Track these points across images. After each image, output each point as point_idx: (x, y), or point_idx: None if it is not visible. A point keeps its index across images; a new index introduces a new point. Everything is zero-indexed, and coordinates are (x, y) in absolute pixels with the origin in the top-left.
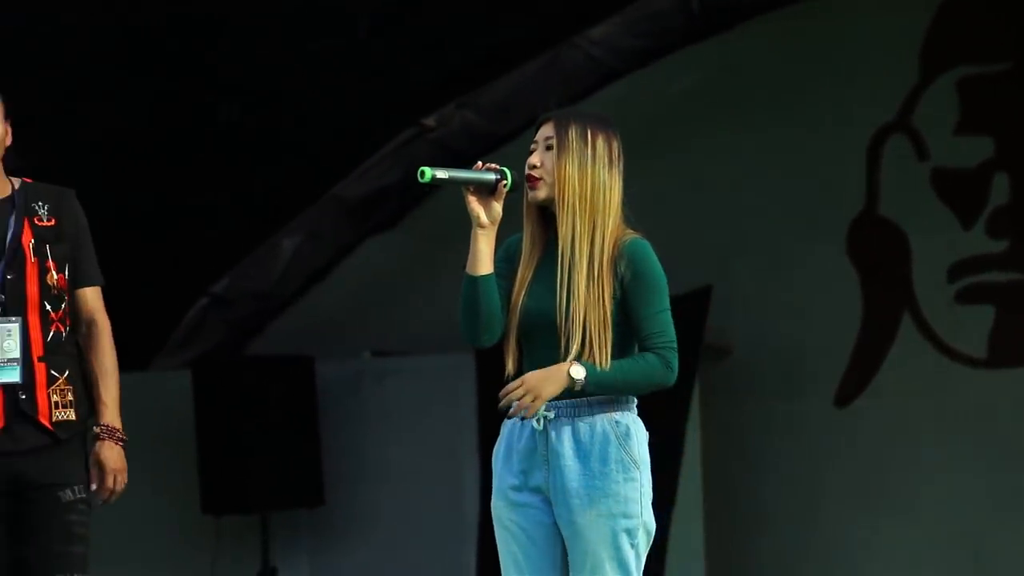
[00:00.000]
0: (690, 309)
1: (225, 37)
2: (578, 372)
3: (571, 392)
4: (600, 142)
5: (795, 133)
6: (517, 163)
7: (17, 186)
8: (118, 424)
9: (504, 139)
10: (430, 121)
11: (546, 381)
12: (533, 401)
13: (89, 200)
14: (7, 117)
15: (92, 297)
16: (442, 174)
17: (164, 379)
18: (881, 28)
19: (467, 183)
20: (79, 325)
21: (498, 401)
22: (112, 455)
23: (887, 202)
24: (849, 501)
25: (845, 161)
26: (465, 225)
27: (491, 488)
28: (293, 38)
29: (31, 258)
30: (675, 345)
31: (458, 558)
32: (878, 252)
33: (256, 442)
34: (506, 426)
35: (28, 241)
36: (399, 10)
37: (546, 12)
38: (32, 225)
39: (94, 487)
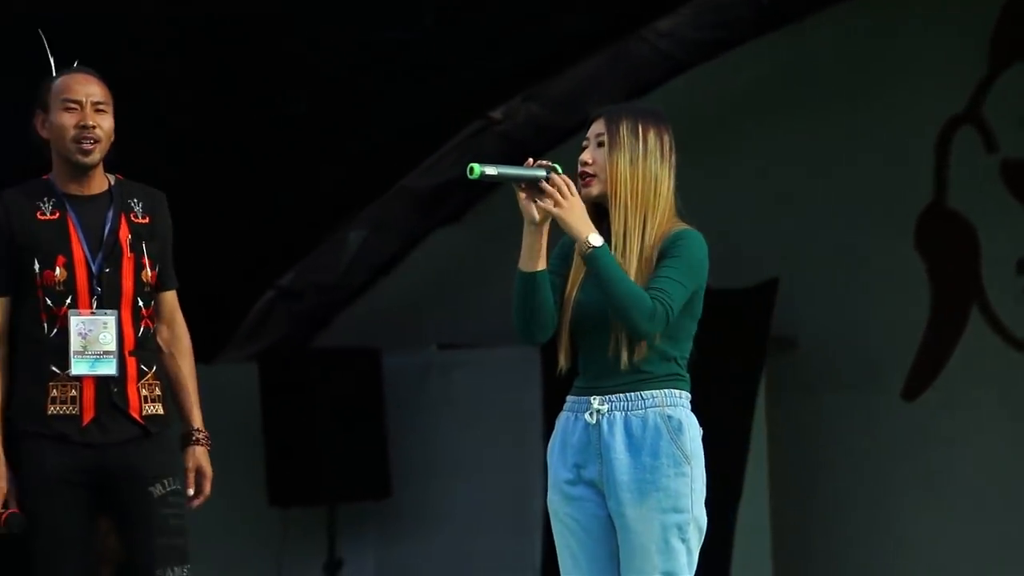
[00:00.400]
0: (757, 302)
1: (292, 29)
2: (596, 240)
3: (622, 382)
4: (651, 136)
5: (864, 125)
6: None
7: (113, 182)
8: (202, 422)
9: (570, 132)
10: (497, 114)
11: (578, 214)
12: (553, 205)
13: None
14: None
15: (172, 300)
16: (492, 170)
17: (231, 372)
18: (950, 18)
19: (517, 180)
20: (160, 326)
21: (565, 395)
22: (207, 461)
23: (956, 194)
24: (917, 495)
25: (914, 153)
26: None
27: None
28: (360, 30)
29: (127, 253)
30: (670, 306)
31: (524, 550)
32: (947, 245)
33: (323, 435)
34: (560, 420)
35: (125, 236)
36: (466, 2)
37: (613, 4)
38: (128, 221)
39: (191, 491)
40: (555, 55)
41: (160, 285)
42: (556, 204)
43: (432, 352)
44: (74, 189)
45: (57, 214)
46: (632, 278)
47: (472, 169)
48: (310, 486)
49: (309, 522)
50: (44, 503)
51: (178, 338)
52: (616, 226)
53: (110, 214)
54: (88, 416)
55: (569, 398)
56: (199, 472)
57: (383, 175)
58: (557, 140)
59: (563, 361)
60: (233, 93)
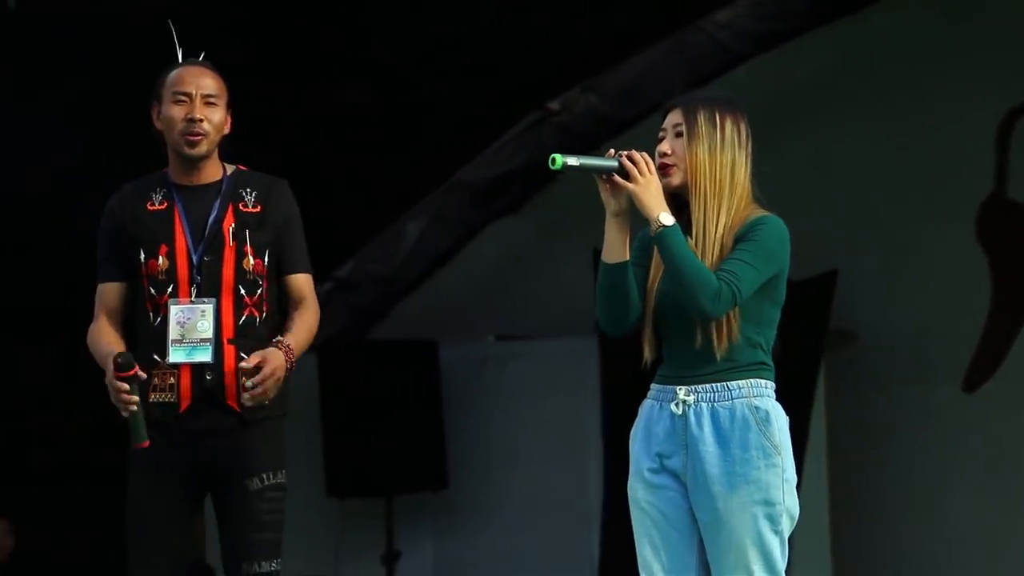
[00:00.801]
0: (816, 294)
1: (353, 20)
2: (667, 219)
3: (708, 371)
4: (728, 125)
5: (923, 116)
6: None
7: (229, 172)
8: (296, 351)
9: (629, 123)
10: (555, 105)
11: (653, 195)
12: (632, 180)
13: None
14: (229, 105)
15: (303, 283)
16: (573, 161)
17: None
18: (1010, 9)
19: (598, 170)
20: (290, 308)
21: (624, 386)
22: (276, 358)
23: (1017, 185)
24: (977, 487)
25: (974, 143)
26: (588, 209)
27: (614, 472)
28: (420, 21)
29: (229, 242)
30: (738, 288)
31: (582, 542)
32: (1007, 235)
33: (380, 426)
34: (644, 408)
35: (228, 226)
36: None
37: None
38: (236, 211)
39: (248, 383)
40: (613, 46)
41: (285, 269)
42: (633, 180)
43: (489, 344)
44: (185, 180)
45: (165, 204)
46: (710, 266)
47: (554, 160)
48: (368, 477)
49: (366, 513)
50: (138, 487)
51: (304, 308)
52: (697, 215)
53: (217, 204)
54: (184, 404)
55: (653, 386)
56: (263, 361)
57: (441, 166)
58: (615, 131)
59: (648, 352)
60: (294, 83)
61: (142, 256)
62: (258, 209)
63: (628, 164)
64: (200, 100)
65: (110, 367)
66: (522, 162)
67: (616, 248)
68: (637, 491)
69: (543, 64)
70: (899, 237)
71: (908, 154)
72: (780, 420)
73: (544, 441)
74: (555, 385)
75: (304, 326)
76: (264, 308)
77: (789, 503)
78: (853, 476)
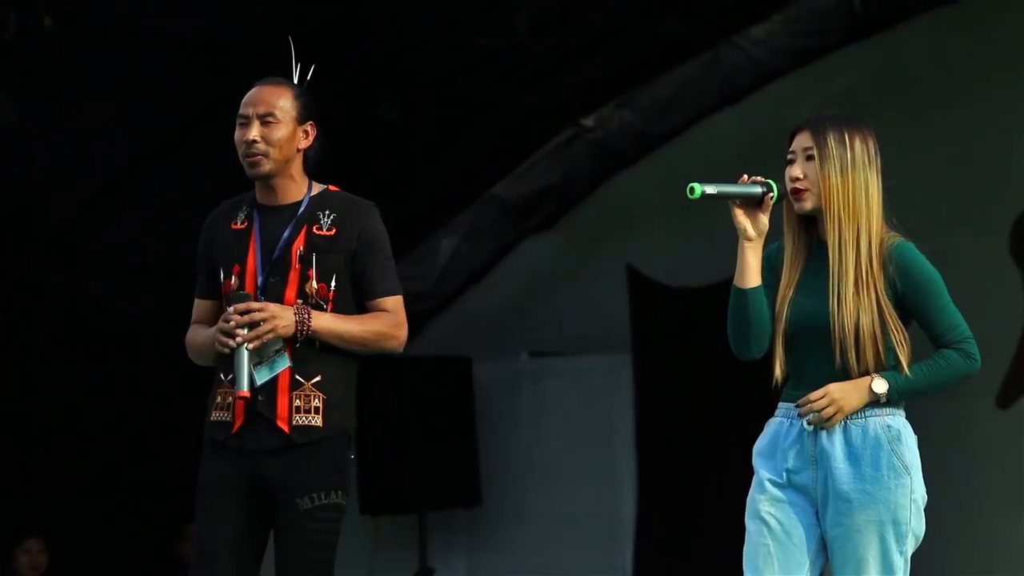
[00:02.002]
0: None
1: (386, 36)
2: (880, 387)
3: (839, 381)
4: (858, 144)
5: (959, 130)
6: (680, 164)
7: (315, 192)
8: (317, 323)
9: (663, 139)
10: (589, 121)
11: (850, 394)
12: (835, 413)
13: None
14: (306, 119)
15: (392, 306)
16: (711, 189)
17: None
18: None
19: (735, 197)
20: None
21: (658, 403)
22: (283, 312)
23: None
24: (1010, 502)
25: (1009, 158)
26: (622, 226)
27: (647, 488)
28: (453, 37)
29: (295, 265)
30: (970, 335)
31: (615, 558)
32: None
33: (414, 442)
34: (771, 425)
35: (297, 248)
36: (559, 9)
37: (706, 11)
38: (308, 233)
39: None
40: (648, 62)
41: (367, 294)
42: (835, 412)
43: (523, 360)
44: (266, 200)
45: (246, 224)
46: (851, 290)
47: (693, 189)
48: (401, 494)
49: (400, 530)
50: (203, 506)
51: (384, 317)
52: (832, 238)
53: (291, 225)
54: (238, 423)
55: (782, 404)
56: (263, 307)
57: (475, 182)
58: (650, 147)
59: (779, 372)
60: (327, 98)
61: (221, 275)
62: (332, 232)
63: (816, 408)
64: (257, 121)
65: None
66: (556, 178)
67: (751, 273)
68: (759, 502)
69: (577, 80)
70: (934, 252)
71: (942, 169)
72: (910, 439)
73: (577, 457)
74: (589, 401)
75: (355, 319)
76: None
77: (915, 524)
78: (937, 486)
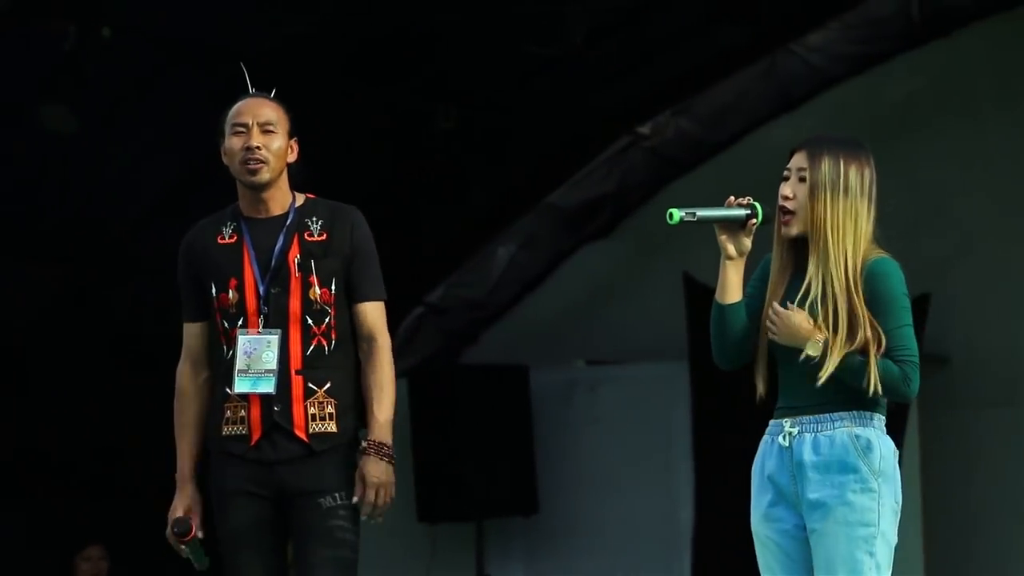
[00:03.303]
0: None
1: (442, 46)
2: (814, 349)
3: (814, 403)
4: (852, 172)
5: (1016, 136)
6: (736, 172)
7: (299, 202)
8: (387, 440)
9: (720, 147)
10: (645, 129)
11: (793, 333)
12: (775, 332)
13: None
14: (292, 135)
15: (371, 312)
16: (689, 216)
17: None
18: None
19: (717, 221)
20: (359, 340)
21: (715, 410)
22: (376, 469)
23: None
24: None
25: None
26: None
27: (704, 495)
28: (510, 46)
29: (295, 273)
30: (916, 360)
31: (673, 565)
32: None
33: (471, 450)
34: (763, 444)
35: (294, 256)
36: (616, 18)
37: (763, 19)
38: (301, 240)
39: (355, 499)
40: (704, 69)
41: (354, 297)
42: (773, 335)
43: (580, 368)
44: (253, 212)
45: (235, 238)
46: (839, 309)
47: (671, 215)
48: (458, 502)
49: (457, 538)
50: (223, 516)
51: (374, 352)
52: (815, 262)
53: (282, 235)
54: (256, 435)
55: (771, 422)
56: (362, 480)
57: (531, 190)
58: (706, 155)
59: (761, 387)
60: (385, 108)
61: (214, 290)
62: (323, 237)
63: (767, 324)
64: (257, 129)
65: (169, 525)
66: (612, 186)
67: (733, 290)
68: (756, 525)
69: (633, 88)
70: (992, 259)
71: (1000, 177)
72: (884, 450)
73: (634, 465)
74: (645, 409)
75: (384, 391)
76: (333, 336)
77: (885, 528)
78: (946, 499)
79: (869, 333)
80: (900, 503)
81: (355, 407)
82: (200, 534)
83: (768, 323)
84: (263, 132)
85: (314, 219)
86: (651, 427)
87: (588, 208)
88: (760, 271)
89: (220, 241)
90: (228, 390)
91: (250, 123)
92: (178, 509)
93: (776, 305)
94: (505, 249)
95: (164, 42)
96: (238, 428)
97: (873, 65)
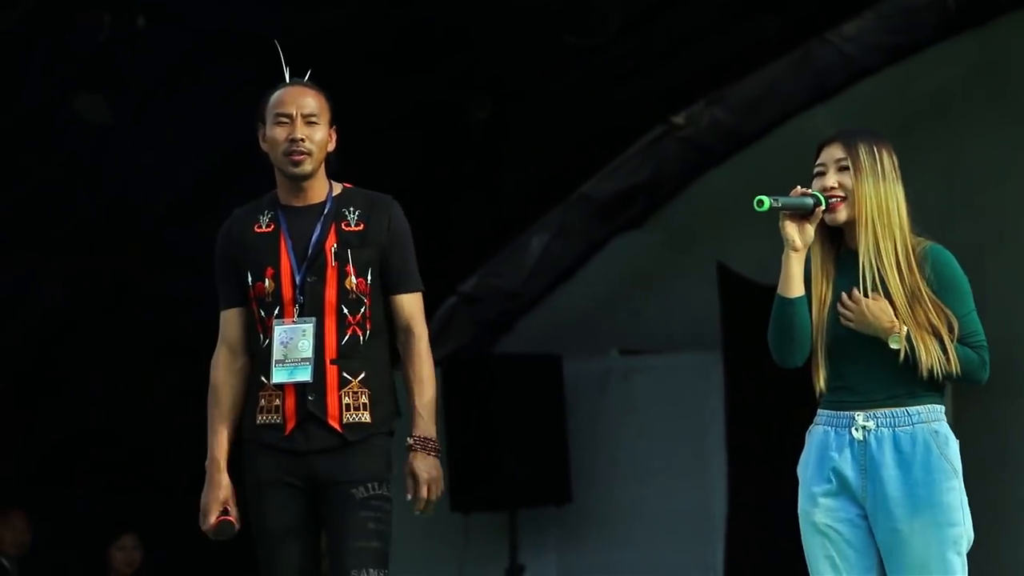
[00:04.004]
0: None
1: (476, 36)
2: (895, 343)
3: (885, 396)
4: (886, 156)
5: None
6: (770, 162)
7: (336, 191)
8: (432, 434)
9: (754, 137)
10: (679, 119)
11: (870, 324)
12: (852, 323)
13: None
14: (332, 123)
15: (409, 303)
16: (776, 202)
17: None
18: None
19: (795, 208)
20: (397, 331)
21: (748, 400)
22: (426, 465)
23: None
24: None
25: None
26: (712, 224)
27: (737, 485)
28: (545, 36)
29: (331, 262)
30: (986, 344)
31: (706, 556)
32: None
33: (504, 440)
34: (815, 434)
35: (331, 245)
36: (649, 8)
37: (797, 8)
38: (338, 230)
39: (409, 497)
40: (738, 59)
41: (391, 288)
42: (848, 322)
43: (613, 358)
44: (292, 201)
45: (272, 227)
46: (898, 292)
47: (761, 202)
48: (491, 491)
49: (490, 527)
50: (258, 505)
51: (412, 344)
52: (864, 246)
53: (319, 225)
54: (290, 425)
55: (823, 412)
56: (413, 477)
57: (565, 180)
58: (741, 144)
59: (820, 382)
60: (417, 99)
61: (250, 279)
62: (361, 227)
63: (842, 311)
64: (301, 120)
65: (212, 519)
66: (646, 176)
67: (795, 283)
68: (815, 515)
69: (667, 78)
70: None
71: None
72: (955, 444)
73: (668, 455)
74: (679, 399)
75: (425, 384)
76: (368, 326)
77: (968, 526)
78: (981, 487)
79: (936, 318)
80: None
81: (389, 397)
82: (238, 526)
83: (842, 309)
84: (307, 123)
85: (351, 208)
86: (684, 417)
87: (621, 198)
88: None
89: (257, 230)
90: (264, 379)
91: (294, 113)
92: (212, 502)
93: (855, 291)
94: (539, 239)
95: (198, 32)
96: (273, 417)
97: (908, 55)
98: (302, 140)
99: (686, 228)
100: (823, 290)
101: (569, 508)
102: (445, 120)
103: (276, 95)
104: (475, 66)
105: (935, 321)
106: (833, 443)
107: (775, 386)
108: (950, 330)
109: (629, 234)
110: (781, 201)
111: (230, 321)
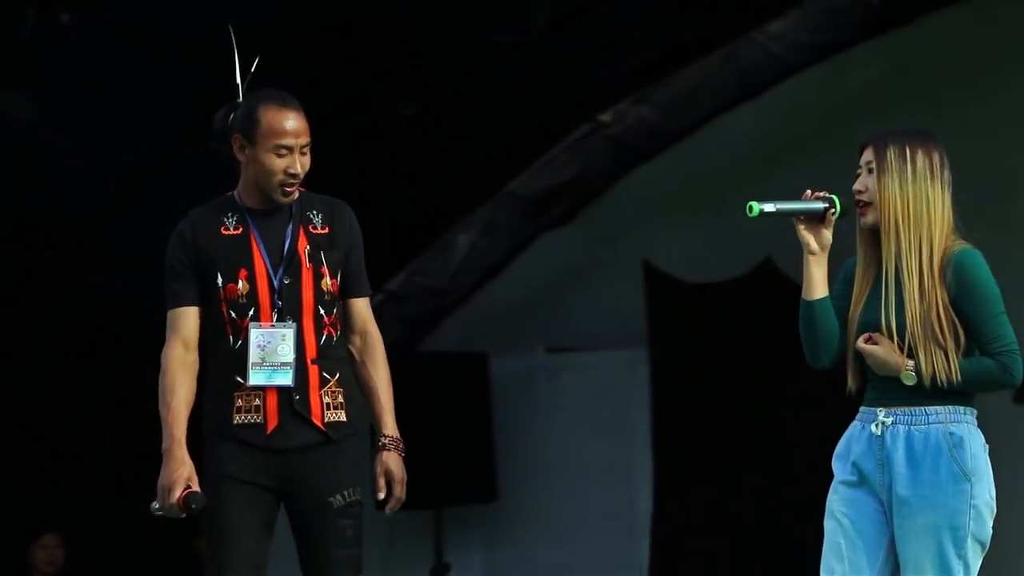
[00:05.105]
0: None
1: (404, 32)
2: (908, 379)
3: (908, 396)
4: (920, 157)
5: (976, 126)
6: (697, 160)
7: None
8: (398, 435)
9: (681, 135)
10: (606, 117)
11: (886, 364)
12: (867, 356)
13: None
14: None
15: (364, 306)
16: (770, 207)
17: None
18: None
19: (796, 214)
20: (351, 334)
21: (674, 398)
22: (398, 465)
23: None
24: None
25: None
26: (639, 221)
27: (662, 483)
28: (471, 33)
29: (306, 264)
30: (1013, 347)
31: (632, 554)
32: None
33: (430, 438)
34: (851, 428)
35: (304, 248)
36: (576, 6)
37: (723, 7)
38: (307, 232)
39: (381, 495)
40: (665, 58)
41: (348, 292)
42: (864, 354)
43: (540, 355)
44: (258, 204)
45: (240, 229)
46: (916, 299)
47: (751, 208)
48: (416, 490)
49: (416, 526)
50: (220, 500)
51: (371, 346)
52: (887, 249)
53: (289, 228)
54: (272, 424)
55: (861, 408)
56: (388, 476)
57: (492, 178)
58: (667, 143)
59: (851, 381)
60: (344, 94)
61: (220, 280)
62: (326, 230)
63: (863, 348)
64: (298, 151)
65: (177, 493)
66: (573, 173)
67: (817, 285)
68: (834, 503)
69: (594, 76)
70: None
71: (959, 166)
72: (976, 447)
73: (593, 452)
74: (605, 397)
75: (386, 386)
76: (339, 326)
77: (976, 529)
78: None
79: (946, 329)
80: (994, 499)
81: (358, 398)
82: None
83: (861, 350)
84: (302, 154)
85: (314, 212)
86: (610, 415)
87: (549, 196)
88: (843, 273)
89: (224, 232)
90: (239, 379)
91: (294, 145)
92: (177, 479)
93: (860, 344)
94: (466, 236)
95: (123, 28)
96: (253, 417)
97: (834, 53)
98: (298, 174)
99: (613, 226)
100: (861, 290)
101: (495, 506)
102: (372, 116)
103: (272, 117)
104: (402, 62)
105: (945, 333)
106: (858, 437)
107: (700, 383)
108: (957, 344)
109: (556, 232)
110: (778, 207)
111: (186, 317)
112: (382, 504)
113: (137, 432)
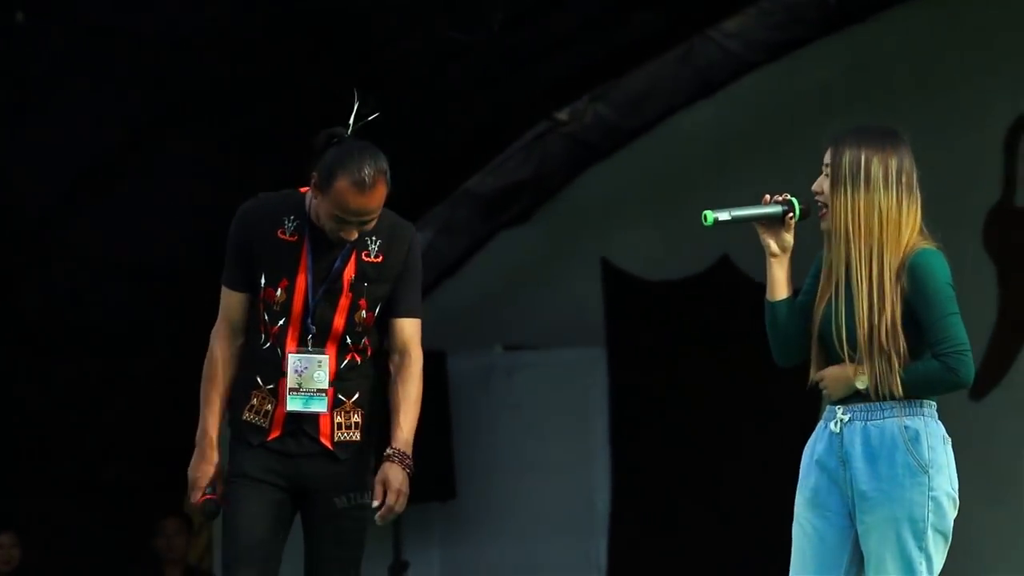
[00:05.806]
0: None
1: (359, 30)
2: (862, 383)
3: (862, 394)
4: (875, 165)
5: (931, 124)
6: (654, 158)
7: None
8: (409, 451)
9: (637, 133)
10: (563, 115)
11: (838, 381)
12: (830, 391)
13: (229, 198)
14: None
15: (411, 328)
16: (725, 216)
17: None
18: (1017, 16)
19: (754, 219)
20: (392, 352)
21: (632, 396)
22: (398, 477)
23: None
24: (983, 493)
25: (982, 152)
26: (597, 219)
27: (621, 482)
28: (426, 32)
29: (346, 292)
30: (961, 348)
31: (590, 552)
32: (1015, 244)
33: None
34: (817, 429)
35: (349, 276)
36: (533, 4)
37: (679, 4)
38: (358, 259)
39: (376, 503)
40: (621, 56)
41: (395, 312)
42: (824, 385)
43: (497, 353)
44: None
45: (296, 237)
46: (864, 306)
47: (706, 217)
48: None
49: (374, 523)
50: (232, 492)
51: (407, 367)
52: (838, 259)
53: (342, 254)
54: (274, 433)
55: (826, 408)
56: (385, 484)
57: (448, 177)
58: (624, 141)
59: (813, 373)
60: (301, 93)
61: (263, 281)
62: (380, 259)
63: (819, 379)
64: (356, 223)
65: (198, 495)
66: (530, 172)
67: (779, 286)
68: (798, 506)
69: (550, 74)
70: None
71: (916, 162)
72: (933, 439)
73: (552, 451)
74: (563, 395)
75: (412, 405)
76: (367, 352)
77: (936, 520)
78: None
79: (891, 340)
80: (956, 491)
81: (379, 415)
82: (222, 507)
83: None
84: (363, 224)
85: (373, 238)
86: (568, 413)
87: (505, 194)
88: (815, 267)
89: (280, 235)
90: (260, 380)
91: (355, 222)
92: (202, 477)
93: (813, 376)
94: (422, 235)
95: (77, 27)
96: (259, 420)
97: (790, 51)
98: (352, 239)
99: (570, 224)
100: (823, 290)
101: (453, 504)
102: (328, 115)
103: (344, 195)
104: (357, 60)
105: (892, 342)
106: (820, 436)
107: (659, 381)
108: (907, 351)
109: (513, 230)
110: (734, 214)
111: (236, 303)
112: (375, 512)
113: (94, 433)
